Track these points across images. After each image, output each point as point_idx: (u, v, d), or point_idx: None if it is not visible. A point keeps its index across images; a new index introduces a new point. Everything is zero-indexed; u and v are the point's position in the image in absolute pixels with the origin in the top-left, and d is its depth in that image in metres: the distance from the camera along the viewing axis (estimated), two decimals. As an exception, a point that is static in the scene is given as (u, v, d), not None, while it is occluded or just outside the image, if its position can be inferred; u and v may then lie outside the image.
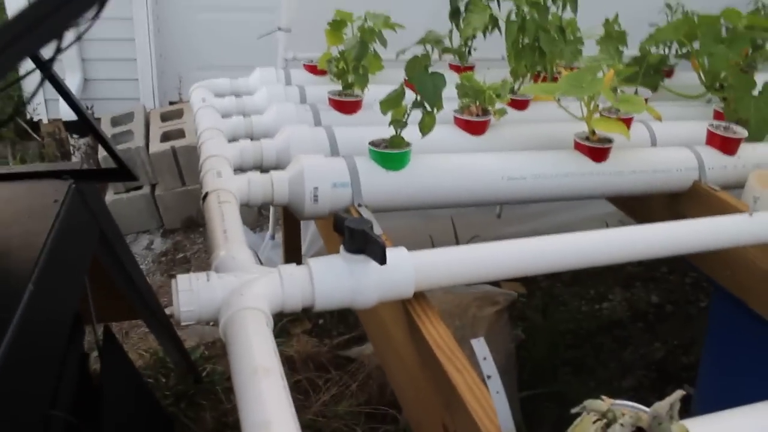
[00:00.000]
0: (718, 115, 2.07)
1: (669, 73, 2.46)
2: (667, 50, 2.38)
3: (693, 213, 1.71)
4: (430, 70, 1.55)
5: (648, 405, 0.76)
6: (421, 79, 1.50)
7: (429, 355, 1.07)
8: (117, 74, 4.70)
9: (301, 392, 2.29)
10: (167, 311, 2.18)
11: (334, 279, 1.10)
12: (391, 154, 1.55)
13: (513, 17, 1.98)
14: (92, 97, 4.67)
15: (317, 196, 1.50)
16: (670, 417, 0.71)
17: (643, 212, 1.95)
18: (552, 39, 1.96)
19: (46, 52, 1.15)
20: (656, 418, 0.71)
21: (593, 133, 1.72)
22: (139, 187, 3.70)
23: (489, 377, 0.88)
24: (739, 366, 1.83)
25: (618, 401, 0.78)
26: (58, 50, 0.78)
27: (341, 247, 1.12)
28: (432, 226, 2.87)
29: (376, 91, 1.83)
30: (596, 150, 1.69)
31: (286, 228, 2.68)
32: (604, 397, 0.78)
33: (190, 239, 3.59)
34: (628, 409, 0.75)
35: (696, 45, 2.18)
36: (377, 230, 1.37)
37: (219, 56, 4.53)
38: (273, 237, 3.13)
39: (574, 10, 2.03)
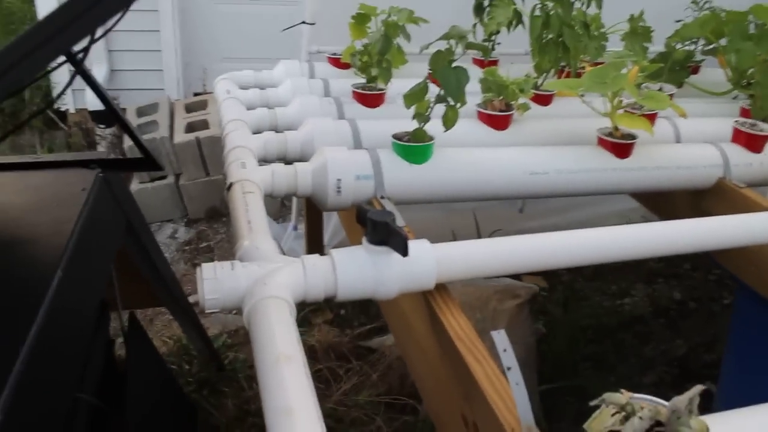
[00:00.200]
0: (744, 113, 2.05)
1: (695, 70, 2.44)
2: (693, 47, 2.36)
3: (717, 210, 1.71)
4: (454, 64, 1.56)
5: (668, 401, 0.76)
6: (445, 73, 1.51)
7: (449, 345, 1.09)
8: (142, 65, 4.75)
9: (322, 381, 2.31)
10: (191, 299, 2.22)
11: (357, 270, 1.11)
12: (413, 147, 1.56)
13: (537, 12, 1.97)
14: (118, 88, 4.72)
15: (340, 188, 1.51)
16: (689, 411, 0.72)
17: (667, 209, 1.95)
18: (576, 34, 1.95)
19: (77, 45, 1.18)
20: (675, 413, 0.72)
21: (616, 129, 1.71)
22: (163, 177, 3.75)
23: (509, 369, 0.89)
24: (762, 364, 1.82)
25: (637, 395, 0.79)
26: (90, 43, 0.80)
27: (364, 239, 1.14)
28: (454, 220, 2.88)
29: (399, 84, 1.84)
30: (619, 146, 1.69)
31: (308, 219, 2.70)
32: (623, 390, 0.78)
33: (213, 229, 3.63)
34: (647, 403, 0.76)
35: (723, 41, 2.17)
36: (400, 222, 1.38)
37: (243, 48, 4.56)
38: (296, 228, 3.15)
39: (599, 5, 2.01)
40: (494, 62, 2.27)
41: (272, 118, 1.90)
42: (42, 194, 1.53)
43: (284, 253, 1.22)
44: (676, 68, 2.19)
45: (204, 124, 3.79)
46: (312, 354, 2.42)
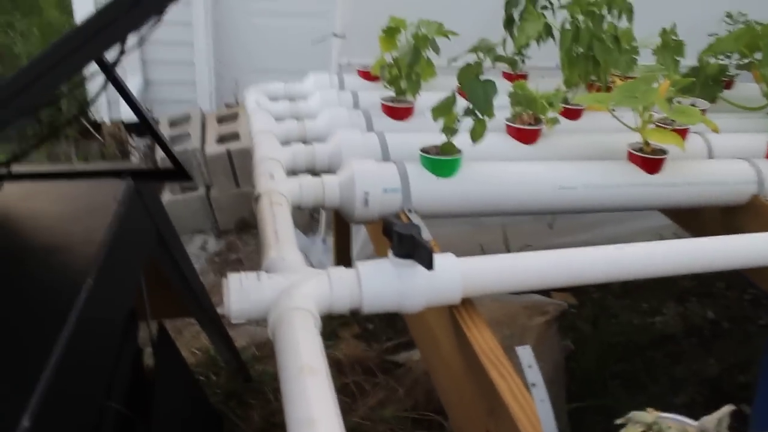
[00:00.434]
0: (780, 129, 2.01)
1: (729, 85, 2.40)
2: (727, 61, 2.33)
3: (751, 227, 1.67)
4: (483, 77, 1.55)
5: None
6: (473, 86, 1.51)
7: (474, 360, 1.08)
8: (176, 77, 4.82)
9: (348, 395, 2.31)
10: (219, 310, 2.23)
11: (382, 282, 1.11)
12: (441, 160, 1.55)
13: (567, 26, 1.96)
14: (152, 99, 4.80)
15: (368, 201, 1.51)
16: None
17: (698, 225, 1.92)
18: (606, 48, 1.94)
19: (110, 54, 1.20)
20: (703, 432, 0.70)
21: (647, 144, 1.69)
22: (194, 189, 3.78)
23: (534, 385, 0.88)
24: (797, 386, 1.78)
25: (664, 414, 0.77)
26: (122, 53, 0.82)
27: (389, 252, 1.14)
28: (483, 235, 2.86)
29: (428, 97, 1.84)
30: (650, 161, 1.67)
31: (336, 232, 2.71)
32: (650, 409, 0.77)
33: (243, 240, 3.65)
34: (674, 423, 0.74)
35: (758, 56, 2.13)
36: (426, 236, 1.38)
37: (274, 60, 4.60)
38: (324, 241, 3.16)
39: (630, 19, 2.00)
40: (523, 76, 2.27)
41: (301, 130, 1.91)
42: (76, 203, 1.56)
43: (313, 266, 1.22)
44: (709, 83, 2.16)
45: (235, 136, 3.82)
46: (339, 367, 2.42)
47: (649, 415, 0.75)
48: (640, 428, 0.74)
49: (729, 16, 2.32)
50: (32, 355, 1.03)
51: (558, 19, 2.06)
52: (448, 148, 1.56)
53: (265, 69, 4.63)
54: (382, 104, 1.98)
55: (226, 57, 4.92)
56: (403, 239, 1.11)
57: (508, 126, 1.82)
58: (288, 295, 1.05)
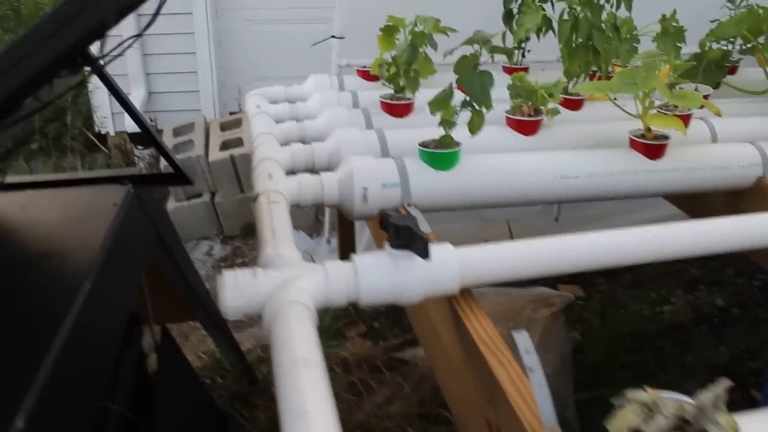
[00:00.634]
0: (784, 111, 1.99)
1: (732, 70, 2.38)
2: (729, 46, 2.30)
3: (757, 210, 1.65)
4: (482, 70, 1.54)
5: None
6: (469, 78, 1.50)
7: (473, 349, 1.06)
8: (179, 87, 4.84)
9: (354, 393, 2.30)
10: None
11: (379, 274, 1.10)
12: (440, 153, 1.54)
13: (566, 16, 1.95)
14: (156, 110, 4.82)
15: (367, 197, 1.50)
16: (716, 408, 0.69)
17: (704, 210, 1.89)
18: (605, 37, 1.92)
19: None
20: (701, 409, 0.69)
21: (648, 130, 1.68)
22: (199, 195, 3.79)
23: (531, 370, 0.87)
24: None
25: (663, 392, 0.76)
26: (103, 41, 0.81)
27: (386, 244, 1.13)
28: (488, 231, 2.84)
29: (427, 94, 1.82)
30: (651, 147, 1.65)
31: (341, 231, 2.70)
32: (648, 388, 0.75)
33: (248, 245, 3.65)
34: (671, 401, 0.73)
35: (761, 40, 2.11)
36: (425, 229, 1.37)
37: (277, 67, 4.61)
38: (329, 242, 3.15)
39: (629, 8, 1.98)
40: (524, 69, 2.25)
41: (301, 131, 1.91)
42: (75, 210, 1.56)
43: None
44: (711, 68, 2.14)
45: (238, 142, 3.83)
46: (345, 366, 2.41)
47: (647, 395, 0.73)
48: (637, 408, 0.72)
49: (731, 1, 2.29)
50: (29, 357, 1.03)
51: (557, 12, 2.04)
52: (446, 141, 1.55)
53: (267, 76, 4.63)
54: (381, 102, 1.97)
55: (228, 65, 4.94)
56: (399, 230, 1.10)
57: (507, 118, 1.81)
58: (283, 290, 1.05)
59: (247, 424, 2.19)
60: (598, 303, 2.85)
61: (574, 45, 1.96)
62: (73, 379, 1.13)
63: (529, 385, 0.89)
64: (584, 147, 1.75)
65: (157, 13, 1.01)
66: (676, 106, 1.76)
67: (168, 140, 4.01)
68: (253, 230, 3.72)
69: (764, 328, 2.66)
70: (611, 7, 2.00)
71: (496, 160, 1.61)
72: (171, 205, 3.74)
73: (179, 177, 1.86)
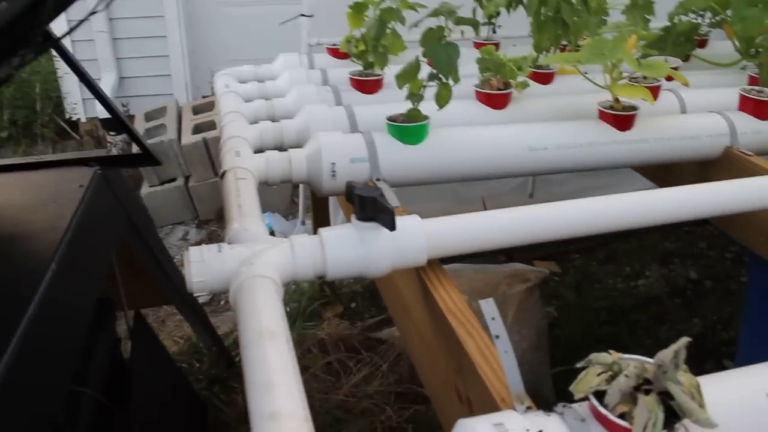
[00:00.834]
0: (752, 81, 1.99)
1: (702, 44, 2.39)
2: (699, 19, 2.31)
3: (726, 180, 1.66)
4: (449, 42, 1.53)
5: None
6: (435, 50, 1.49)
7: (441, 320, 1.06)
8: (151, 71, 4.78)
9: (332, 374, 2.30)
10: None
11: (346, 247, 1.09)
12: (408, 127, 1.53)
13: (535, -11, 1.94)
14: (128, 95, 4.75)
15: (335, 172, 1.49)
16: (675, 366, 0.69)
17: (673, 181, 1.89)
18: (574, 10, 1.92)
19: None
20: (661, 367, 0.69)
21: (617, 101, 1.68)
22: (173, 180, 3.75)
23: (497, 337, 0.87)
24: (779, 337, 1.77)
25: (626, 355, 0.76)
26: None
27: (352, 216, 1.12)
28: (464, 210, 2.81)
29: (397, 70, 1.81)
30: (620, 117, 1.65)
31: (314, 212, 2.69)
32: (611, 351, 0.76)
33: (224, 229, 3.62)
34: (633, 362, 0.73)
35: (729, 12, 2.11)
36: (393, 202, 1.36)
37: (249, 49, 4.54)
38: (303, 223, 3.14)
39: (597, -23, 1.98)
40: (495, 45, 2.24)
41: (270, 109, 1.89)
42: (41, 192, 1.54)
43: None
44: (680, 40, 2.14)
45: (211, 125, 3.79)
46: (322, 347, 2.41)
47: (609, 357, 0.73)
48: (600, 369, 0.72)
49: (699, -27, 2.29)
50: (-8, 338, 1.01)
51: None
52: (414, 115, 1.54)
53: (240, 58, 4.55)
54: (351, 78, 1.95)
55: (200, 48, 4.88)
56: (365, 202, 1.09)
57: (477, 92, 1.80)
58: (249, 264, 1.03)
59: (225, 408, 2.18)
60: (573, 278, 2.87)
61: (542, 18, 1.96)
62: (40, 360, 1.12)
63: (497, 354, 0.89)
64: (554, 120, 1.75)
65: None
66: (645, 78, 1.76)
67: (140, 125, 3.96)
68: (228, 214, 3.69)
69: (736, 299, 2.69)
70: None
71: (465, 132, 1.61)
72: (144, 190, 3.70)
73: (147, 157, 1.84)
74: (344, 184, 1.49)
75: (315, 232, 2.69)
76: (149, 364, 1.91)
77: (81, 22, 0.98)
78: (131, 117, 4.31)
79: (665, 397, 0.69)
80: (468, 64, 1.77)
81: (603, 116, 1.69)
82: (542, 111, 1.81)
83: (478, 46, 2.28)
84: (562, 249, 2.99)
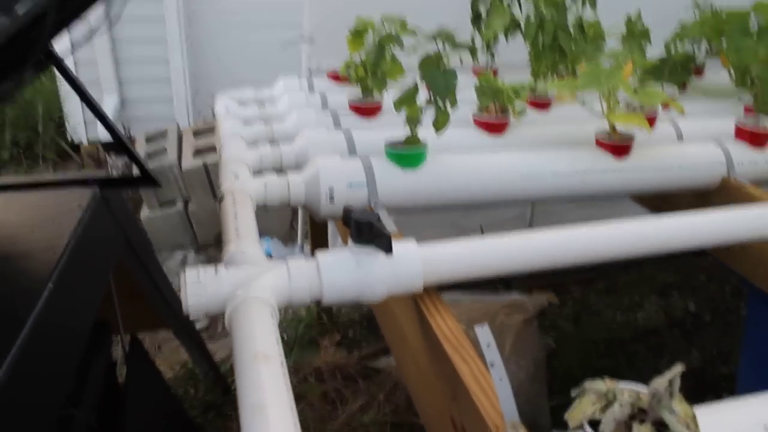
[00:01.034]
0: (748, 111, 2.01)
1: (699, 72, 2.41)
2: (696, 49, 2.33)
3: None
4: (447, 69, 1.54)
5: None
6: (433, 75, 1.50)
7: (437, 347, 1.05)
8: (153, 94, 4.80)
9: (329, 402, 2.27)
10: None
11: (342, 271, 1.08)
12: (406, 152, 1.54)
13: (532, 18, 1.96)
14: (129, 118, 4.77)
15: (333, 197, 1.49)
16: (670, 394, 0.68)
17: (670, 211, 1.90)
18: (571, 38, 1.94)
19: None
20: (655, 396, 0.68)
21: (614, 129, 1.68)
22: (173, 204, 3.75)
23: (492, 364, 0.86)
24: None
25: (621, 382, 0.75)
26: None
27: (349, 240, 1.12)
28: (461, 236, 2.84)
29: (396, 96, 1.82)
30: (617, 146, 1.66)
31: (313, 237, 2.69)
32: (607, 378, 0.75)
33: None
34: (628, 390, 0.72)
35: (724, 42, 2.13)
36: (390, 227, 1.36)
37: (250, 73, 4.55)
38: (302, 248, 3.14)
39: (593, 6, 2.00)
40: (493, 72, 2.26)
41: (269, 132, 1.89)
42: (40, 212, 1.54)
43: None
44: (677, 69, 2.16)
45: (212, 149, 3.79)
46: (319, 375, 2.39)
47: (604, 384, 0.73)
48: (594, 397, 0.72)
49: (696, 5, 2.32)
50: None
51: (525, 13, 2.05)
52: (412, 140, 1.55)
53: (241, 81, 4.59)
54: (350, 104, 1.97)
55: (202, 72, 4.91)
56: (361, 226, 1.09)
57: (475, 120, 1.81)
58: (245, 287, 1.03)
59: (220, 436, 2.16)
60: (571, 309, 2.85)
61: (540, 46, 1.98)
62: (33, 381, 1.11)
63: (492, 381, 0.88)
64: (551, 147, 1.75)
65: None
66: (642, 107, 1.77)
67: (140, 148, 3.96)
68: (227, 238, 3.68)
69: (735, 332, 2.67)
70: (578, 9, 2.02)
71: (462, 159, 1.61)
72: (144, 213, 3.69)
73: (146, 179, 1.84)
74: (342, 209, 1.51)
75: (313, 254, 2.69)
76: (144, 389, 1.90)
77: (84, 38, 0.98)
78: (132, 139, 4.32)
79: (660, 427, 0.68)
80: (467, 90, 1.78)
81: (600, 144, 1.69)
82: (540, 138, 1.82)
83: (476, 72, 2.29)
84: (560, 280, 2.98)
